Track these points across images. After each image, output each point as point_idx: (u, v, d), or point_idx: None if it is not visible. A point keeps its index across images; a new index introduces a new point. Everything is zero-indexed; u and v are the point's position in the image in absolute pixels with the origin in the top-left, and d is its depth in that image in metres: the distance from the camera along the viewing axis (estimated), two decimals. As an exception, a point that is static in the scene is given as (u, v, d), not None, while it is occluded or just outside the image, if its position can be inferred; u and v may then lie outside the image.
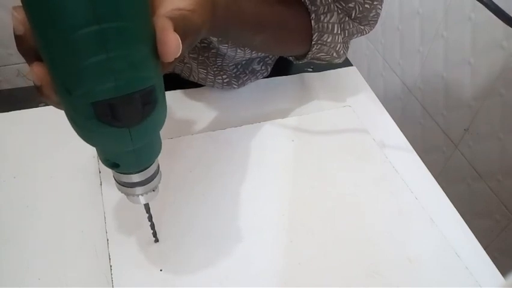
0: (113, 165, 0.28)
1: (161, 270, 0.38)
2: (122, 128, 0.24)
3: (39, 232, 0.40)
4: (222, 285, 0.38)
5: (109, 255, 0.38)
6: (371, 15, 0.49)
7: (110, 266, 0.38)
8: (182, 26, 0.26)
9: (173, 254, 0.39)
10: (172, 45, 0.24)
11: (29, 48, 0.23)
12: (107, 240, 0.40)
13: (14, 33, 0.22)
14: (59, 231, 0.40)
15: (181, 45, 0.24)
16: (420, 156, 0.53)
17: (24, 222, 0.41)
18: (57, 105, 0.25)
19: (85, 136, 0.25)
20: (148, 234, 0.40)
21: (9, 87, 1.02)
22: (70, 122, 0.25)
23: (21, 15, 0.22)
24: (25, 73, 1.10)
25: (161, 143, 0.30)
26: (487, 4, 0.32)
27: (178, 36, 0.24)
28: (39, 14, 0.20)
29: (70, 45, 0.21)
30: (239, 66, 0.57)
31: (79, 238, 0.40)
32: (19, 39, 0.23)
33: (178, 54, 0.24)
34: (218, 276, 0.38)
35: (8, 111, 0.51)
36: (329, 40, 0.49)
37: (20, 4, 0.21)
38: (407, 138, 0.55)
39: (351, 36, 0.51)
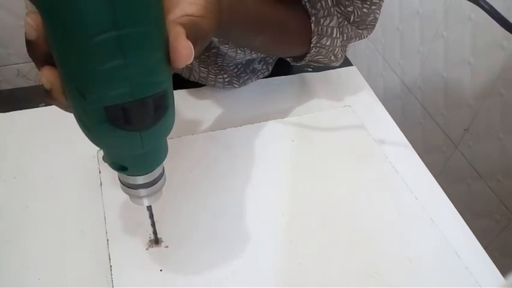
0: (120, 168, 0.28)
1: (161, 270, 0.38)
2: (133, 131, 0.25)
3: (39, 232, 0.40)
4: (221, 285, 0.38)
5: (109, 255, 0.38)
6: (369, 19, 0.50)
7: (110, 266, 0.38)
8: (192, 32, 0.26)
9: (173, 254, 0.39)
10: (185, 52, 0.24)
11: (40, 53, 0.23)
12: (107, 240, 0.40)
13: (26, 38, 0.23)
14: (59, 231, 0.40)
15: (193, 51, 0.25)
16: (420, 156, 0.53)
17: (24, 222, 0.41)
18: (66, 109, 0.25)
19: (95, 139, 0.25)
20: (148, 234, 0.40)
21: (9, 87, 1.02)
22: (79, 125, 0.25)
23: (34, 21, 0.22)
24: (25, 73, 1.10)
25: (167, 146, 0.30)
26: (486, 9, 0.32)
27: (190, 43, 0.25)
28: (60, 20, 0.20)
29: (88, 51, 0.21)
30: (239, 66, 0.57)
31: (79, 238, 0.40)
32: (31, 45, 0.23)
33: (190, 61, 0.25)
34: (218, 276, 0.38)
35: (8, 111, 0.51)
36: (327, 43, 0.49)
37: (30, 9, 0.21)
38: (407, 138, 0.55)
39: (349, 40, 0.51)
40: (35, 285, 0.37)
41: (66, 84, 0.23)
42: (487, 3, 0.32)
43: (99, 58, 0.21)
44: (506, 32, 0.31)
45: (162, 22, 0.24)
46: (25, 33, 0.22)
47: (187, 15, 0.27)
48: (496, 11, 0.32)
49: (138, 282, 0.37)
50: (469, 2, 0.32)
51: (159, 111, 0.25)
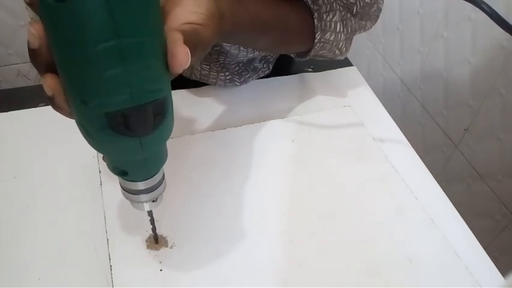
0: (121, 173, 0.29)
1: (161, 270, 0.38)
2: (133, 137, 0.25)
3: (39, 232, 0.40)
4: (221, 285, 0.38)
5: (109, 255, 0.38)
6: (372, 10, 0.50)
7: (110, 266, 0.38)
8: (193, 40, 0.27)
9: (174, 254, 0.39)
10: (182, 57, 0.25)
11: (42, 61, 0.23)
12: (107, 240, 0.40)
13: (29, 47, 0.23)
14: (59, 231, 0.40)
15: (190, 57, 0.25)
16: (420, 156, 0.53)
17: (24, 222, 0.41)
18: (68, 115, 0.25)
19: (96, 145, 0.26)
20: (148, 234, 0.40)
21: (9, 87, 1.02)
22: (81, 130, 0.26)
23: (37, 30, 0.22)
24: (25, 73, 1.10)
25: (167, 151, 0.30)
26: (486, 11, 0.32)
27: (187, 48, 0.25)
28: (62, 30, 0.21)
29: (90, 60, 0.21)
30: (241, 65, 0.57)
31: (79, 238, 0.40)
32: (33, 53, 0.23)
33: (187, 66, 0.25)
34: (218, 276, 0.38)
35: (8, 111, 0.51)
36: (331, 38, 0.49)
37: (33, 19, 0.21)
38: (407, 138, 0.55)
39: (354, 32, 0.51)
40: (35, 285, 0.36)
41: (68, 91, 0.23)
42: (488, 6, 0.32)
43: (100, 66, 0.22)
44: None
45: (161, 31, 0.24)
46: (28, 42, 0.23)
47: (189, 23, 0.27)
48: (496, 13, 0.31)
49: (138, 282, 0.37)
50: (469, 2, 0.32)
51: (158, 117, 0.25)
